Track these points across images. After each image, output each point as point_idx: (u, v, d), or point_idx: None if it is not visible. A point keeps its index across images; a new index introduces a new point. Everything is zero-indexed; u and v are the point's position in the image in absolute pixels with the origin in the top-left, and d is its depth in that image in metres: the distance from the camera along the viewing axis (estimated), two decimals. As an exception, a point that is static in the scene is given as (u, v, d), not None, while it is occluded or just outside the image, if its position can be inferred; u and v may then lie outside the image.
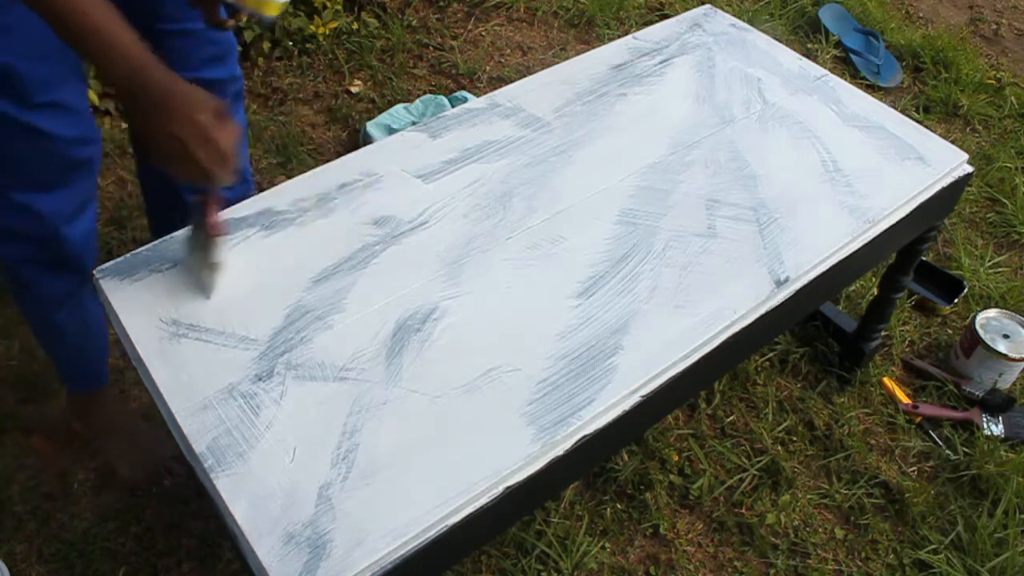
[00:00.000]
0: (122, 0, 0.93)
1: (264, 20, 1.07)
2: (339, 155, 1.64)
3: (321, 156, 2.14)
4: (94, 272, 1.11)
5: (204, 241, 1.08)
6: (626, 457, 1.57)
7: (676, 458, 1.58)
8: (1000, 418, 1.67)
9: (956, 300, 1.91)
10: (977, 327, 1.73)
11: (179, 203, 1.47)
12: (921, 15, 2.92)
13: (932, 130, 1.48)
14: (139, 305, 1.07)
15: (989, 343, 1.71)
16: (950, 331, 1.88)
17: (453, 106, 2.16)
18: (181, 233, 1.14)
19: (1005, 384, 1.75)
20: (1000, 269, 2.01)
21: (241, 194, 1.44)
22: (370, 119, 2.17)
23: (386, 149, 1.32)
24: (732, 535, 1.51)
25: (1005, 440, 1.65)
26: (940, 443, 1.66)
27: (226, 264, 1.09)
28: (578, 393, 1.01)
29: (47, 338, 1.41)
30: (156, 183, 1.50)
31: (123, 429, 1.53)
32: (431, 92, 2.31)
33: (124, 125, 2.16)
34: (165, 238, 1.15)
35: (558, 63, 1.51)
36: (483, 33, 2.55)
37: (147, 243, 1.15)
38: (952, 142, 1.44)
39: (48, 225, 1.19)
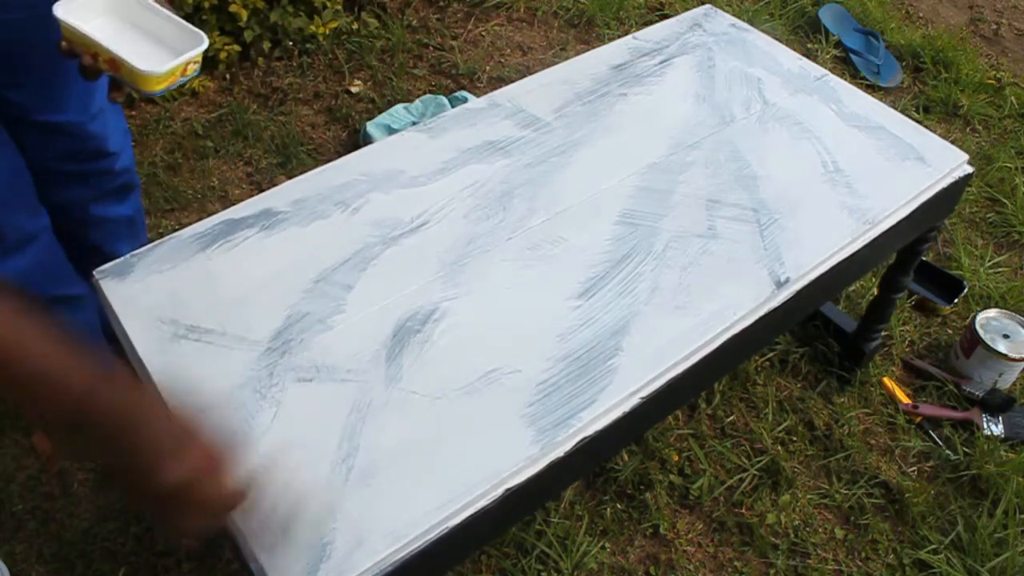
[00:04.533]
0: None
1: (146, 95, 1.02)
2: (339, 155, 1.63)
3: (321, 156, 2.14)
4: (94, 273, 1.11)
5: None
6: (626, 457, 1.57)
7: (676, 458, 1.58)
8: (1000, 418, 1.67)
9: (956, 300, 1.91)
10: (977, 327, 1.73)
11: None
12: (921, 15, 2.92)
13: (932, 130, 1.47)
14: (139, 306, 1.07)
15: (989, 343, 1.71)
16: (950, 331, 1.88)
17: (453, 106, 2.16)
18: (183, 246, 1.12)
19: (1005, 384, 1.75)
20: (1000, 269, 2.01)
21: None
22: (370, 119, 2.17)
23: (386, 149, 1.32)
24: (732, 535, 1.51)
25: (1005, 440, 1.65)
26: (940, 443, 1.66)
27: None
28: (578, 394, 1.01)
29: None
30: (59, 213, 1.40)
31: None
32: (431, 92, 2.31)
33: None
34: (165, 239, 1.15)
35: (558, 63, 1.51)
36: (483, 33, 2.55)
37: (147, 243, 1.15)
38: (952, 142, 1.44)
39: None
